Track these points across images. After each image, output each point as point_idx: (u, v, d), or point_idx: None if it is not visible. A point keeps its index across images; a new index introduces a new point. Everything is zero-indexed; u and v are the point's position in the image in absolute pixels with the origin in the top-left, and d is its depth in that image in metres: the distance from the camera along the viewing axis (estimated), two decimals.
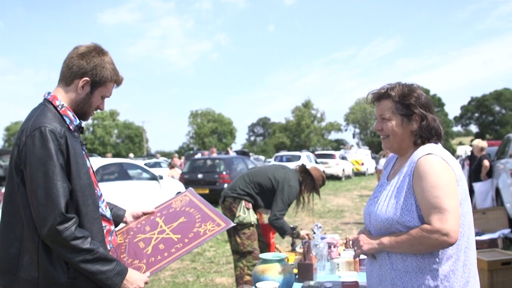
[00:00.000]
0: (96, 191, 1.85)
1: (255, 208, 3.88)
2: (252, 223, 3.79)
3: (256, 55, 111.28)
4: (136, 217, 2.23)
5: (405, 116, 1.79)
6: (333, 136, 69.72)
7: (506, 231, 6.27)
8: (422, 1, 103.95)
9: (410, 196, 1.69)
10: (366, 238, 1.79)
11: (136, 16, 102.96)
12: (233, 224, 2.06)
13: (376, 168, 20.35)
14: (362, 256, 1.84)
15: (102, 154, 45.37)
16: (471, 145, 10.76)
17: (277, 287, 2.08)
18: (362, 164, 27.55)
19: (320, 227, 2.81)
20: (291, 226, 3.48)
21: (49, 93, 1.84)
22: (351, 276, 2.43)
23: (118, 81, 1.91)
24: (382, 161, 15.21)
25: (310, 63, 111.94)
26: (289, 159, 21.47)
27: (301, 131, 61.80)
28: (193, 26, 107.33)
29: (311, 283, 2.31)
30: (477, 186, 8.28)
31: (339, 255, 2.90)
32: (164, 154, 50.82)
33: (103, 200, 1.97)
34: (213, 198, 9.25)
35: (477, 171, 8.37)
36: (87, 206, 1.76)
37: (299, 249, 3.30)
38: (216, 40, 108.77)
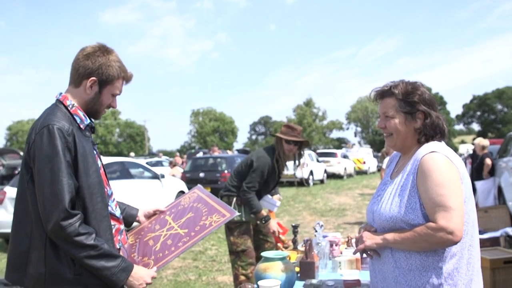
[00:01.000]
0: (106, 190, 1.87)
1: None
2: (244, 219, 3.72)
3: (257, 54, 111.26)
4: (149, 216, 2.26)
5: (409, 114, 1.78)
6: (335, 134, 69.68)
7: (509, 229, 6.25)
8: (423, 0, 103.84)
9: (414, 194, 1.69)
10: (369, 234, 1.79)
11: (137, 16, 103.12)
12: (237, 214, 2.08)
13: (379, 167, 20.34)
14: (364, 255, 1.84)
15: (104, 153, 45.42)
16: (473, 144, 10.75)
17: (279, 285, 2.08)
18: (364, 162, 27.52)
19: (322, 225, 2.81)
20: (293, 224, 3.46)
21: (60, 93, 1.89)
22: (353, 274, 2.44)
23: (126, 78, 1.93)
24: (387, 159, 15.18)
25: (311, 62, 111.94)
26: None
27: (302, 129, 61.76)
28: (194, 25, 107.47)
29: (313, 281, 2.30)
30: (479, 184, 8.26)
31: (341, 253, 2.89)
32: (165, 153, 50.86)
33: (114, 199, 1.98)
34: None
35: (479, 169, 8.36)
36: (95, 204, 1.78)
37: (301, 247, 3.30)
38: (217, 40, 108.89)
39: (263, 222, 3.70)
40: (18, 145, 60.79)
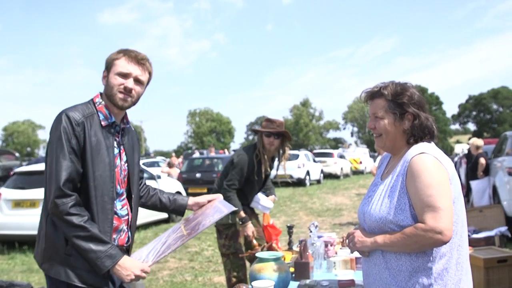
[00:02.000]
0: (115, 188, 1.93)
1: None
2: (230, 222, 3.65)
3: (254, 54, 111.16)
4: (200, 206, 2.27)
5: (398, 115, 1.80)
6: (331, 134, 69.83)
7: (503, 228, 6.28)
8: (420, 0, 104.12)
9: (403, 195, 1.70)
10: (361, 235, 1.80)
11: (135, 16, 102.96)
12: (234, 209, 2.10)
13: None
14: (358, 255, 1.86)
15: None
16: (468, 144, 10.80)
17: (273, 285, 2.09)
18: (360, 162, 27.58)
19: (316, 226, 2.82)
20: (288, 225, 3.47)
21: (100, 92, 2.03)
22: (347, 274, 2.45)
23: (128, 54, 1.97)
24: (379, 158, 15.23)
25: (308, 62, 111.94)
26: None
27: (299, 129, 61.77)
28: (192, 25, 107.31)
29: (308, 281, 2.32)
30: (474, 184, 8.31)
31: (336, 253, 2.90)
32: (162, 153, 50.72)
33: (123, 199, 2.02)
34: None
35: (474, 169, 8.41)
36: (99, 196, 1.86)
37: (295, 247, 3.31)
38: (215, 40, 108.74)
39: (241, 223, 3.64)
40: (14, 146, 60.57)
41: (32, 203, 7.14)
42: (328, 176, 22.75)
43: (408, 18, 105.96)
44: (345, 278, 2.34)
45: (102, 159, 1.88)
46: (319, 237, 2.96)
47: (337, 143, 62.60)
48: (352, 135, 70.61)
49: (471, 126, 76.33)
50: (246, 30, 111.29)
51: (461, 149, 22.29)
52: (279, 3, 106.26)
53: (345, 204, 12.77)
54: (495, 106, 70.51)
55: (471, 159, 8.80)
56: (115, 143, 1.98)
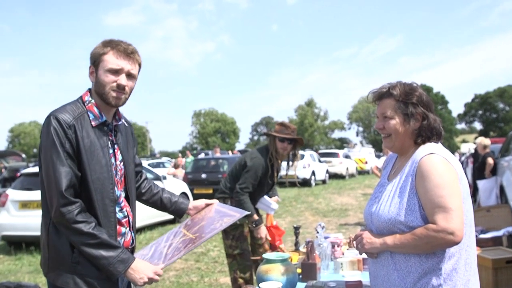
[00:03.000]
0: (114, 190, 1.88)
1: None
2: (238, 222, 3.53)
3: (259, 54, 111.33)
4: (199, 209, 2.28)
5: (407, 115, 1.79)
6: (337, 134, 69.74)
7: (511, 228, 6.23)
8: None
9: (413, 196, 1.69)
10: (369, 237, 1.79)
11: (140, 18, 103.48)
12: (247, 213, 2.09)
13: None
14: (366, 256, 1.85)
15: None
16: (475, 143, 10.74)
17: (280, 287, 2.08)
18: (366, 162, 27.47)
19: (323, 226, 2.81)
20: (294, 226, 3.46)
21: (88, 89, 1.95)
22: (354, 275, 2.44)
23: (116, 47, 1.87)
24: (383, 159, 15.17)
25: (312, 62, 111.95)
26: None
27: (304, 130, 61.69)
28: (197, 27, 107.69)
29: (315, 282, 2.31)
30: (481, 183, 8.25)
31: (343, 254, 2.89)
32: (167, 154, 50.85)
33: (122, 202, 1.97)
34: None
35: (481, 168, 8.35)
36: (100, 199, 1.81)
37: (302, 248, 3.30)
38: (220, 41, 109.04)
39: (254, 225, 3.65)
40: (20, 147, 60.94)
41: (39, 204, 7.16)
42: (334, 176, 22.71)
43: (412, 17, 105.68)
44: (352, 279, 2.33)
45: (98, 160, 1.81)
46: (325, 237, 2.95)
47: (342, 143, 62.48)
48: (357, 135, 70.56)
49: (477, 125, 75.93)
50: (250, 31, 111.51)
51: (467, 148, 22.17)
52: (284, 4, 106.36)
53: (351, 204, 12.74)
54: (501, 105, 70.07)
55: (478, 158, 8.74)
56: (109, 142, 1.91)
